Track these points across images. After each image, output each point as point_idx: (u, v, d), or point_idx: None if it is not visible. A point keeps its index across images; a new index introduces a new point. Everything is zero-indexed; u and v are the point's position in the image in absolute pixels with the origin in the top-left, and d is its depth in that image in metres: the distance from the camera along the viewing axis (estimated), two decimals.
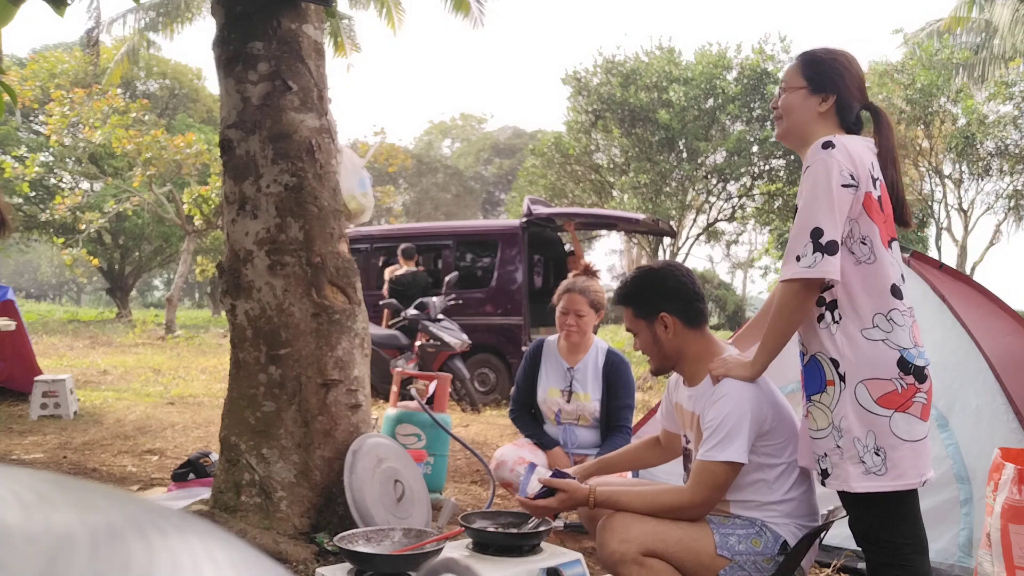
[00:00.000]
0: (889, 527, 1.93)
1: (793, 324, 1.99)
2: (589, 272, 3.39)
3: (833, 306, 1.94)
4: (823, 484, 1.99)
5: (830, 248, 1.89)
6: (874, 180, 1.95)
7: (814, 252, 1.89)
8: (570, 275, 3.41)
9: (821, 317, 1.95)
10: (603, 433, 3.34)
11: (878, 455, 1.88)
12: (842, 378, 1.91)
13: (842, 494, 1.98)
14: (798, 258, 1.92)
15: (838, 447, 1.91)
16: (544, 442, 3.34)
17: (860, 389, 1.89)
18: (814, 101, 2.03)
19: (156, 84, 25.53)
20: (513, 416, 3.50)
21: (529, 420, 3.45)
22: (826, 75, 2.04)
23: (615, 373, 3.33)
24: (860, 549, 2.07)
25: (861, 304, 1.91)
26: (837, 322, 1.92)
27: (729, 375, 2.10)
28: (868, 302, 1.91)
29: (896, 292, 1.93)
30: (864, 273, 1.92)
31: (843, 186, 1.90)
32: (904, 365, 1.89)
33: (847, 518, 2.05)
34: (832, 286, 1.93)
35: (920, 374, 1.90)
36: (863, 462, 1.88)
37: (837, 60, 2.06)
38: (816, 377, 1.98)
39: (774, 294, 2.36)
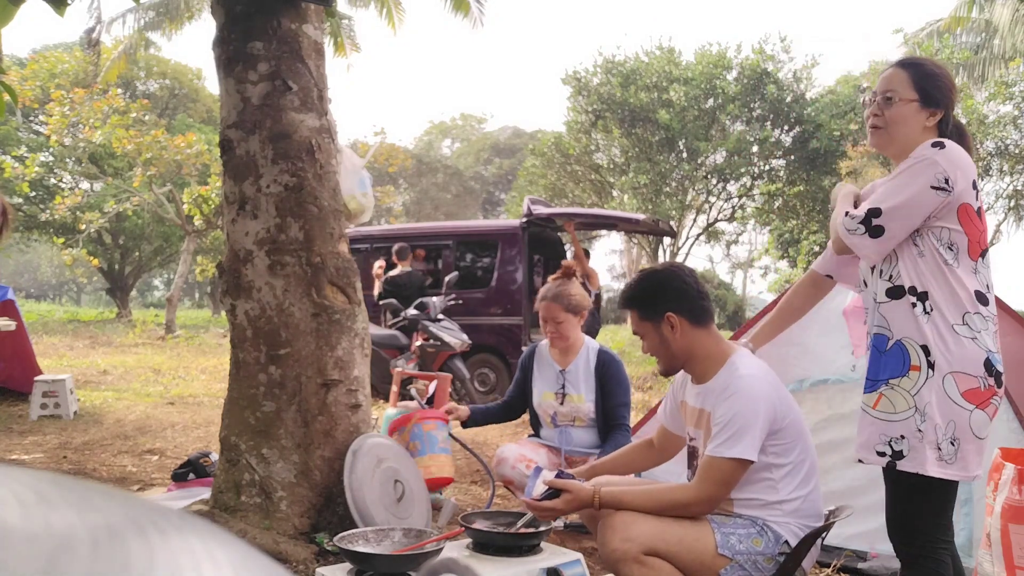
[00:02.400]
0: (931, 517, 2.00)
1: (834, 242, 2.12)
2: (567, 275, 3.37)
3: (924, 297, 1.97)
4: (891, 467, 2.00)
5: (875, 231, 1.96)
6: (977, 191, 1.99)
7: (860, 223, 1.97)
8: (549, 280, 3.40)
9: (913, 305, 1.98)
10: (601, 433, 3.34)
11: (952, 445, 1.93)
12: (931, 366, 1.94)
13: (896, 482, 2.01)
14: (847, 214, 2.01)
15: (919, 431, 1.94)
16: (472, 418, 3.55)
17: (948, 380, 1.94)
18: (923, 115, 2.03)
19: (156, 84, 25.52)
20: (500, 408, 3.63)
21: (500, 409, 3.60)
22: (938, 90, 2.04)
23: (607, 372, 3.34)
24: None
25: (949, 302, 1.96)
26: (928, 313, 1.96)
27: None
28: (955, 302, 1.95)
29: (981, 298, 1.98)
30: (949, 275, 1.96)
31: (932, 187, 1.92)
32: (989, 366, 1.95)
33: (884, 512, 2.07)
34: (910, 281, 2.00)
35: (1000, 378, 1.97)
36: (939, 448, 1.93)
37: (946, 75, 2.07)
38: (899, 361, 2.00)
39: (794, 288, 2.49)
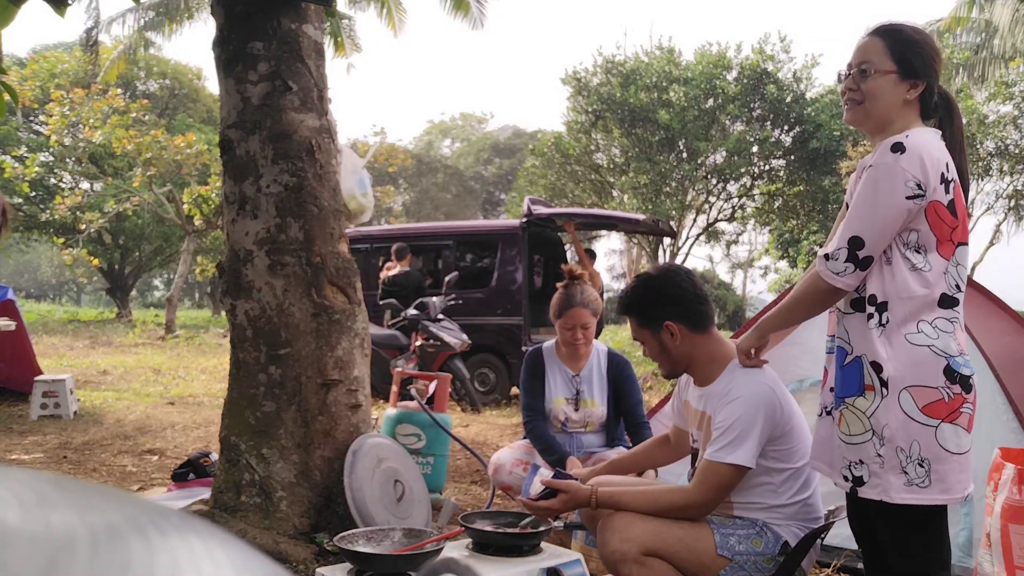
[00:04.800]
0: (918, 540, 1.85)
1: (808, 315, 1.95)
2: (575, 277, 3.27)
3: (883, 308, 1.82)
4: (853, 492, 1.87)
5: (864, 264, 1.81)
6: (947, 183, 1.81)
7: (846, 261, 1.80)
8: (559, 286, 3.28)
9: (869, 317, 1.83)
10: (609, 436, 3.32)
11: (922, 466, 1.76)
12: (884, 384, 1.79)
13: (874, 504, 1.85)
14: (827, 257, 1.83)
15: (879, 456, 1.79)
16: (560, 456, 3.13)
17: (904, 396, 1.77)
18: (903, 88, 1.85)
19: (156, 84, 25.51)
20: (530, 427, 3.25)
21: (548, 432, 3.24)
22: (919, 58, 1.85)
23: (621, 373, 3.29)
24: (859, 549, 2.07)
25: (907, 310, 1.80)
26: (884, 325, 1.81)
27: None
28: (913, 308, 1.80)
29: (945, 301, 1.81)
30: (917, 279, 1.81)
31: (907, 197, 1.76)
32: (950, 373, 1.77)
33: (872, 526, 1.94)
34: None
35: (967, 383, 1.79)
36: (906, 472, 1.77)
37: (929, 43, 1.88)
38: (856, 379, 1.86)
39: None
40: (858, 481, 1.84)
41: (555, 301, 3.25)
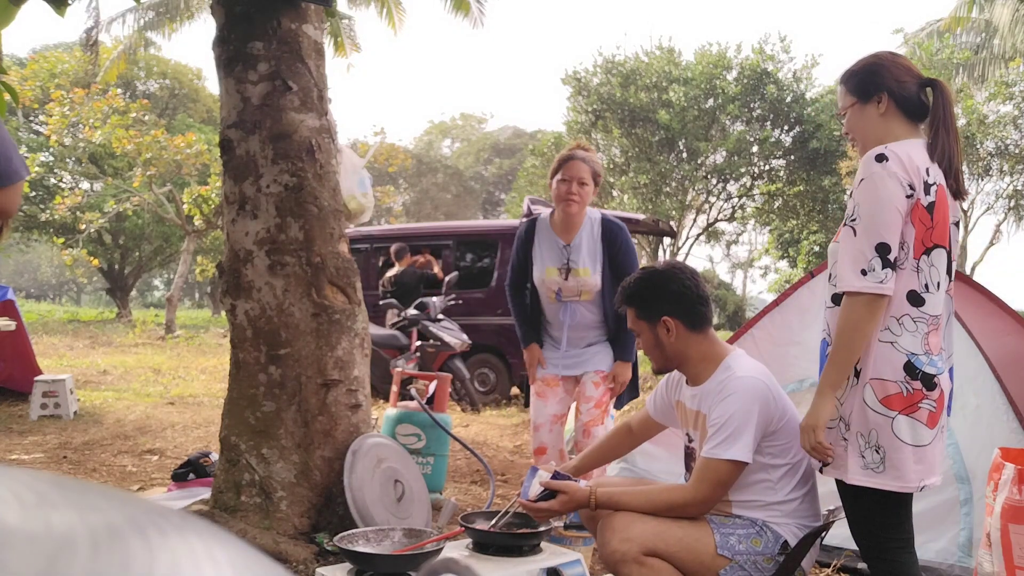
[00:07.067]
0: (876, 523, 2.00)
1: (865, 336, 1.91)
2: None
3: None
4: (820, 471, 2.06)
5: (895, 264, 1.90)
6: (928, 185, 1.93)
7: (883, 268, 1.88)
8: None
9: None
10: (606, 313, 3.23)
11: (877, 453, 1.91)
12: (857, 375, 1.95)
13: (839, 484, 2.03)
14: (864, 272, 1.89)
15: (844, 439, 1.96)
16: (523, 335, 3.33)
17: (867, 388, 1.92)
18: (871, 109, 2.04)
19: (156, 84, 25.51)
20: (509, 296, 3.43)
21: (520, 304, 3.37)
22: (867, 80, 2.05)
23: (615, 241, 3.22)
24: (858, 550, 2.09)
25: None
26: None
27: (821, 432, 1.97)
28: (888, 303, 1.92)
29: (914, 299, 1.92)
30: (895, 277, 1.92)
31: (907, 196, 1.91)
32: (911, 370, 1.89)
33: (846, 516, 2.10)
34: None
35: (928, 381, 1.89)
36: (863, 457, 1.93)
37: (872, 62, 2.08)
38: None
39: None
40: (823, 462, 2.01)
41: (557, 157, 3.23)
